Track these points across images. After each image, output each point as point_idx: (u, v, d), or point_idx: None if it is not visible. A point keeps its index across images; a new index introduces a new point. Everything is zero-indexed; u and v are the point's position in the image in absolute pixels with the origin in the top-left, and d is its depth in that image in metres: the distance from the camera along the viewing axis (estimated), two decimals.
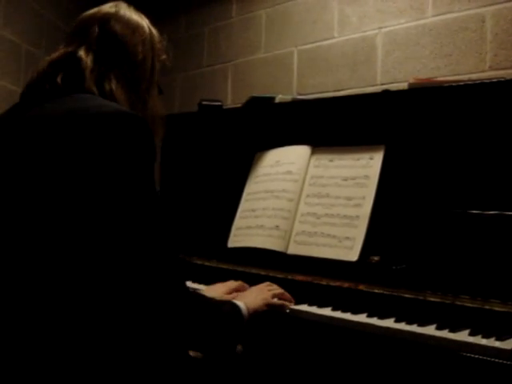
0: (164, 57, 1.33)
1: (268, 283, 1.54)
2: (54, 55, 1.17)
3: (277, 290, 1.51)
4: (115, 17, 1.21)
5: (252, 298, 1.40)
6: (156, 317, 1.02)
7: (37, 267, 0.96)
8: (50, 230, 0.96)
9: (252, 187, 1.98)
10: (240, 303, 1.31)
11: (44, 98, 1.10)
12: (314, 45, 2.65)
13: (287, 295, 1.52)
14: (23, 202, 0.99)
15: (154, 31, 1.29)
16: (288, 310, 1.48)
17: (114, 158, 0.98)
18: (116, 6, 1.24)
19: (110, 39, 1.18)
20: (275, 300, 1.47)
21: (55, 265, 0.95)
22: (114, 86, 1.14)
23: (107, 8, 1.23)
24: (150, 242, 1.01)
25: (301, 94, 2.63)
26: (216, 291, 1.55)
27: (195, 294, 1.32)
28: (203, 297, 1.25)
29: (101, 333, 0.97)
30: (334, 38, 2.58)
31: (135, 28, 1.22)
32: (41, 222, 0.97)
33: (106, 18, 1.20)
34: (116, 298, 0.99)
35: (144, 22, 1.26)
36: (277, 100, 2.22)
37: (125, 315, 1.00)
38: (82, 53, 1.15)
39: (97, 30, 1.18)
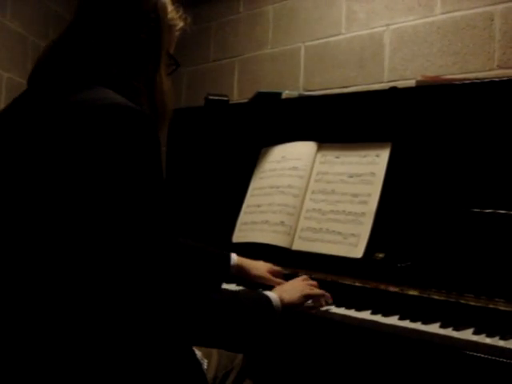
0: (180, 24, 1.25)
1: (305, 277, 1.49)
2: (57, 38, 1.14)
3: (313, 282, 1.46)
4: None
5: (288, 289, 1.34)
6: (162, 311, 0.98)
7: (33, 263, 0.95)
8: (44, 226, 0.94)
9: (257, 182, 1.98)
10: (272, 294, 1.24)
11: (46, 85, 1.08)
12: (321, 41, 2.64)
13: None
14: (18, 198, 0.98)
15: (162, 3, 1.18)
16: (325, 308, 1.44)
17: (113, 153, 0.95)
18: None
19: (112, 19, 1.12)
20: (314, 291, 1.41)
21: (54, 259, 0.94)
22: (116, 67, 1.10)
23: None
24: (146, 235, 0.96)
25: (307, 90, 2.63)
26: (259, 268, 1.62)
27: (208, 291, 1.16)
28: (219, 293, 1.17)
29: (98, 331, 0.95)
30: (341, 34, 2.57)
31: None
32: (36, 218, 0.95)
33: None
34: (114, 295, 0.96)
35: None
36: (283, 96, 2.22)
37: (124, 312, 0.97)
38: (84, 34, 1.11)
39: (99, 7, 1.13)
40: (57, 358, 0.93)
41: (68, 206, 0.94)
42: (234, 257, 1.66)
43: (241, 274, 1.64)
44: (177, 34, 1.25)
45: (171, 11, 1.22)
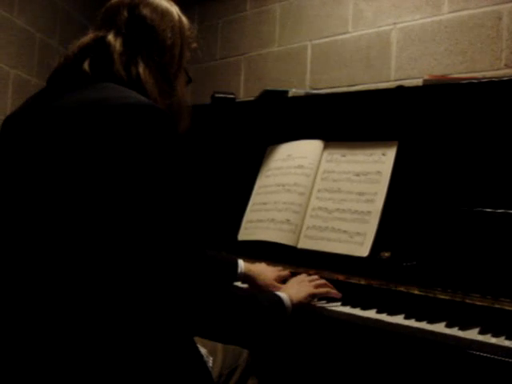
0: (194, 45, 1.34)
1: (305, 274, 1.52)
2: (84, 40, 1.16)
3: (318, 280, 1.50)
4: (144, 2, 1.21)
5: (295, 289, 1.39)
6: (183, 310, 1.00)
7: (58, 257, 0.95)
8: (66, 224, 0.95)
9: (263, 180, 1.98)
10: (283, 294, 1.29)
11: (69, 85, 1.09)
12: (328, 39, 2.64)
13: (330, 285, 1.51)
14: (38, 196, 0.98)
15: (184, 19, 1.29)
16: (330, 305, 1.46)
17: (133, 150, 0.96)
18: None
19: (139, 23, 1.18)
20: (319, 290, 1.46)
21: (72, 255, 0.95)
22: (141, 69, 1.13)
23: None
24: (168, 235, 0.98)
25: (314, 89, 2.63)
26: (266, 276, 1.60)
27: (230, 287, 1.26)
28: (239, 290, 1.23)
29: (114, 328, 0.96)
30: (348, 32, 2.57)
31: (164, 13, 1.23)
32: (58, 215, 0.96)
33: (135, 3, 1.21)
34: (134, 292, 0.97)
35: (173, 8, 1.27)
36: (290, 94, 2.21)
37: (144, 309, 0.98)
38: (110, 37, 1.15)
39: (126, 14, 1.19)
40: (80, 353, 0.94)
41: (102, 204, 0.95)
42: (242, 264, 1.64)
43: (248, 282, 1.62)
44: (188, 54, 1.31)
45: (189, 29, 1.30)
